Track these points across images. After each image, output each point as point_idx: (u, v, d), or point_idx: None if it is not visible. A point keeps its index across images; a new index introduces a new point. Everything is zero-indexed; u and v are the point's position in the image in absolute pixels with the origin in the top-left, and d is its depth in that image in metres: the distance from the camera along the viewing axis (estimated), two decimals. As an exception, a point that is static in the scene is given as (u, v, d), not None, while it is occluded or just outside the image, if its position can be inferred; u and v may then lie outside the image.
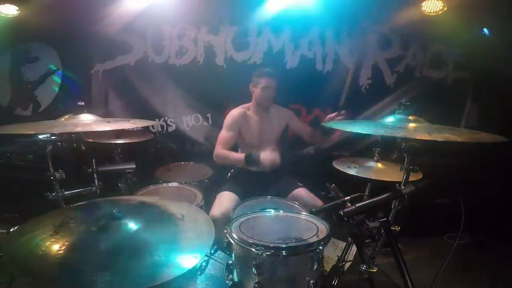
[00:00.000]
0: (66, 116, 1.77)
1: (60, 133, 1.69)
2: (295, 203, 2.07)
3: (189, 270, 0.92)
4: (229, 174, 2.61)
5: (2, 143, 2.90)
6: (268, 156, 2.31)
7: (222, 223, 2.03)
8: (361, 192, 1.91)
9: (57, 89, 3.34)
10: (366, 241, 1.34)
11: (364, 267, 1.60)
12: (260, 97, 2.46)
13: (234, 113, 2.54)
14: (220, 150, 2.42)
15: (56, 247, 0.99)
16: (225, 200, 2.24)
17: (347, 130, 1.57)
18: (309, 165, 3.28)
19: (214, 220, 1.96)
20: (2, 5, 2.92)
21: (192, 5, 3.11)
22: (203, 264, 1.56)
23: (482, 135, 1.38)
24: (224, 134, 2.48)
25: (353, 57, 3.39)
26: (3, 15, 2.96)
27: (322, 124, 2.11)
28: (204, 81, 3.33)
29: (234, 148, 2.57)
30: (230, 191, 2.32)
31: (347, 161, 2.23)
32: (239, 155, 2.37)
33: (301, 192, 2.32)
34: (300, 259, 1.38)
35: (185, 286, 1.42)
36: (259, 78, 2.45)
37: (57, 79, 3.34)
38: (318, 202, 2.23)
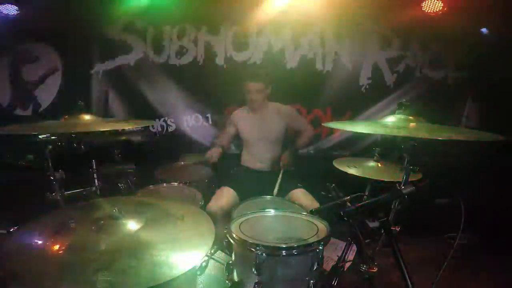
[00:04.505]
0: (66, 116, 1.77)
1: (60, 133, 1.69)
2: (295, 203, 2.07)
3: (189, 270, 0.92)
4: (231, 171, 2.65)
5: (2, 143, 2.90)
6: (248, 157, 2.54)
7: (219, 216, 2.08)
8: (361, 192, 1.92)
9: (57, 89, 3.35)
10: (366, 241, 1.34)
11: (364, 267, 1.60)
12: (246, 99, 2.49)
13: (232, 112, 2.67)
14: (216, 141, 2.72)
15: (56, 247, 0.99)
16: (223, 195, 2.28)
17: (347, 130, 1.57)
18: (309, 165, 3.28)
19: (211, 213, 1.99)
20: (2, 5, 2.92)
21: (192, 5, 3.12)
22: (203, 264, 1.56)
23: (482, 134, 1.38)
24: (224, 130, 2.70)
25: (353, 57, 3.39)
26: (3, 15, 2.96)
27: (324, 124, 2.11)
28: (204, 81, 3.34)
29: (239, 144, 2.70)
30: (230, 186, 2.35)
31: (347, 161, 2.22)
32: (214, 152, 2.50)
33: (299, 193, 2.31)
34: (300, 259, 1.37)
35: (185, 286, 1.42)
36: (246, 82, 2.44)
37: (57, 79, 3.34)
38: (315, 205, 2.22)
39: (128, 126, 1.91)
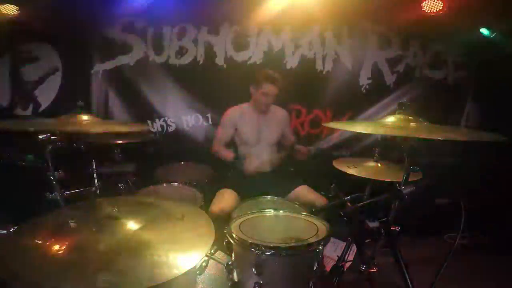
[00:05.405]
0: (66, 116, 1.77)
1: (60, 133, 1.69)
2: (295, 203, 2.07)
3: (189, 270, 0.92)
4: (229, 173, 2.62)
5: (2, 143, 2.90)
6: (253, 163, 2.37)
7: (221, 219, 2.05)
8: (361, 192, 1.92)
9: (57, 89, 3.35)
10: (366, 241, 1.34)
11: (364, 267, 1.60)
12: (258, 100, 2.47)
13: (230, 111, 2.60)
14: (215, 146, 2.58)
15: (56, 247, 0.98)
16: (225, 197, 2.27)
17: (347, 130, 1.57)
18: (309, 165, 3.28)
19: (213, 217, 1.98)
20: (2, 5, 2.92)
21: (192, 5, 3.12)
22: (203, 264, 1.56)
23: (482, 134, 1.38)
24: (219, 131, 2.61)
25: (353, 57, 3.39)
26: (3, 15, 2.96)
27: (324, 124, 2.11)
28: (204, 81, 3.34)
29: (233, 145, 2.63)
30: (231, 188, 2.34)
31: (347, 161, 2.22)
32: (229, 155, 2.49)
33: (303, 190, 2.32)
34: (300, 259, 1.37)
35: (185, 286, 1.42)
36: (262, 83, 2.41)
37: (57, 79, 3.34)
38: (321, 200, 2.23)
39: (126, 129, 1.91)
